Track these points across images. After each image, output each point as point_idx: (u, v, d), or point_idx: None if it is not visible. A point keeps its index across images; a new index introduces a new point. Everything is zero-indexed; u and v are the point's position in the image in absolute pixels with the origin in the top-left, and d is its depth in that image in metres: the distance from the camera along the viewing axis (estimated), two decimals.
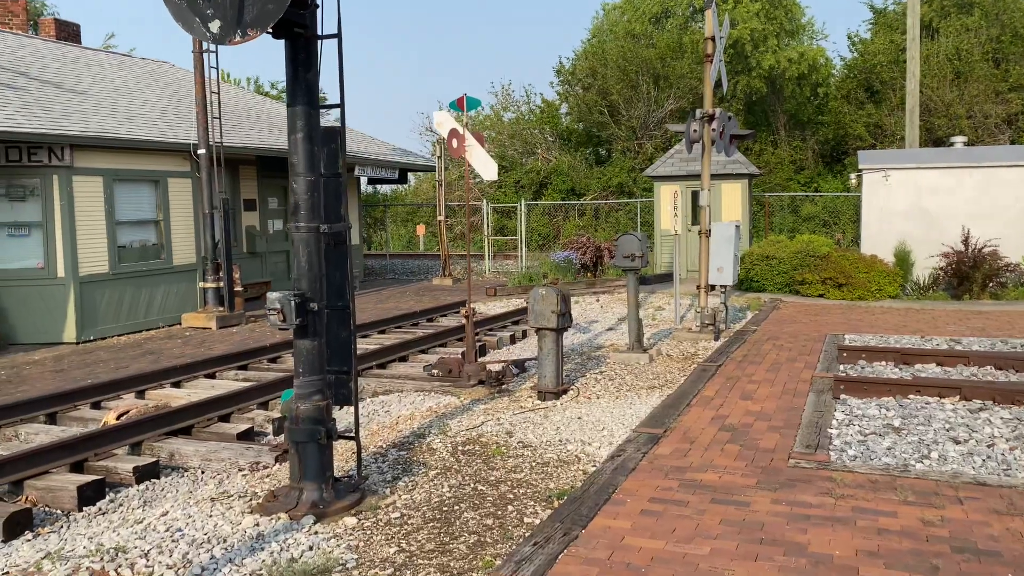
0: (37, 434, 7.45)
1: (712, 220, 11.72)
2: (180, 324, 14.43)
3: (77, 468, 6.31)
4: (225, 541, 4.74)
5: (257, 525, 4.96)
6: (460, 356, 9.48)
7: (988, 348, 10.11)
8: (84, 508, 5.71)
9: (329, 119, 6.04)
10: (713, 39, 11.21)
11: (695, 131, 11.39)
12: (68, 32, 20.66)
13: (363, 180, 23.49)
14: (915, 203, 15.92)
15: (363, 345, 11.41)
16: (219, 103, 14.41)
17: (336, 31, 5.14)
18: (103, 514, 5.61)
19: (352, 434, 5.54)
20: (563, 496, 5.36)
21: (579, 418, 7.33)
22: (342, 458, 6.30)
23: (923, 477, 5.43)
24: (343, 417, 7.52)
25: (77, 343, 12.84)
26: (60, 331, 12.87)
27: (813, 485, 5.32)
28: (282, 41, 5.03)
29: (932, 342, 10.57)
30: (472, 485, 5.66)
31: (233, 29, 4.58)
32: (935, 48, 27.99)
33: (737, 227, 11.88)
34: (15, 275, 12.82)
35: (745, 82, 31.16)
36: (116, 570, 4.41)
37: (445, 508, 5.25)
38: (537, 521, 5.00)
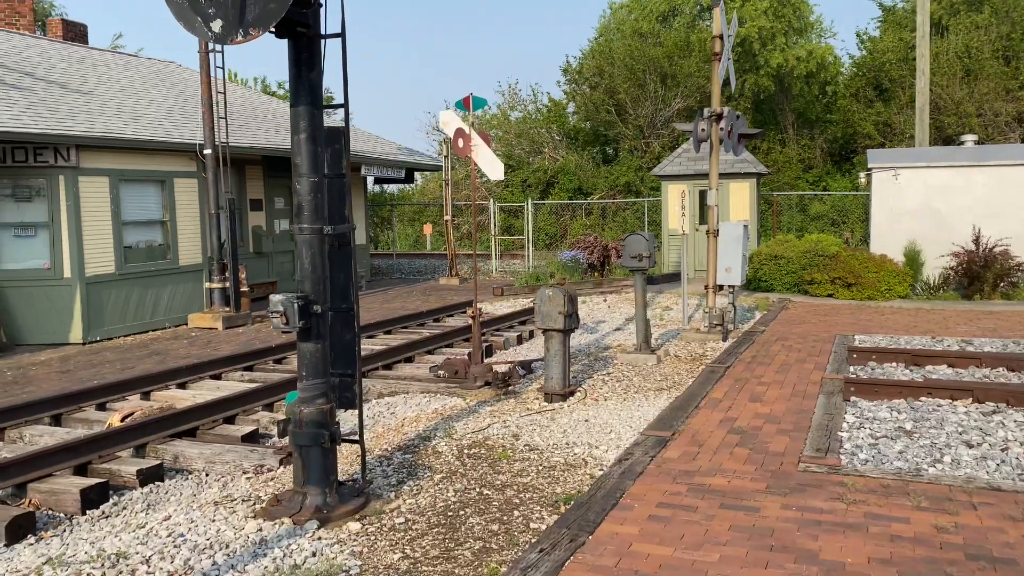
0: (42, 436, 7.42)
1: (720, 219, 11.63)
2: (186, 324, 14.42)
3: (81, 471, 6.27)
4: (227, 547, 4.69)
5: (260, 530, 4.91)
6: (466, 357, 9.42)
7: (1000, 349, 10.00)
8: (87, 511, 5.67)
9: (338, 119, 5.99)
10: (721, 37, 11.12)
11: (703, 130, 11.30)
12: (75, 32, 20.68)
13: (370, 180, 23.46)
14: (925, 202, 15.79)
15: (369, 346, 11.37)
16: (225, 103, 14.38)
17: (340, 30, 5.09)
18: (106, 518, 5.57)
19: (356, 437, 5.48)
20: (570, 501, 5.29)
21: (586, 420, 7.26)
22: (347, 461, 6.25)
23: (936, 482, 5.35)
24: (348, 419, 7.47)
25: (83, 344, 12.83)
26: (66, 332, 12.86)
27: (824, 490, 5.24)
28: (285, 41, 4.97)
29: (943, 343, 10.47)
30: (478, 489, 5.60)
31: (235, 28, 4.52)
32: (945, 46, 27.78)
33: (745, 226, 11.78)
34: (21, 276, 12.81)
35: (753, 80, 31.01)
36: None
37: (450, 513, 5.19)
38: (543, 527, 4.94)
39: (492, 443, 6.65)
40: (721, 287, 11.73)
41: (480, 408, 7.86)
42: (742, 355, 9.80)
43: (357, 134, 22.62)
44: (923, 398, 7.56)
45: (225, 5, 4.50)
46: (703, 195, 18.36)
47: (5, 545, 5.04)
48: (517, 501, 5.38)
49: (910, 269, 15.38)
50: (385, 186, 35.74)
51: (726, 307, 11.54)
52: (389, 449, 6.57)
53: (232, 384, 9.33)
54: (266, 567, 4.41)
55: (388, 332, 12.80)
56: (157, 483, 6.20)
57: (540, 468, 6.02)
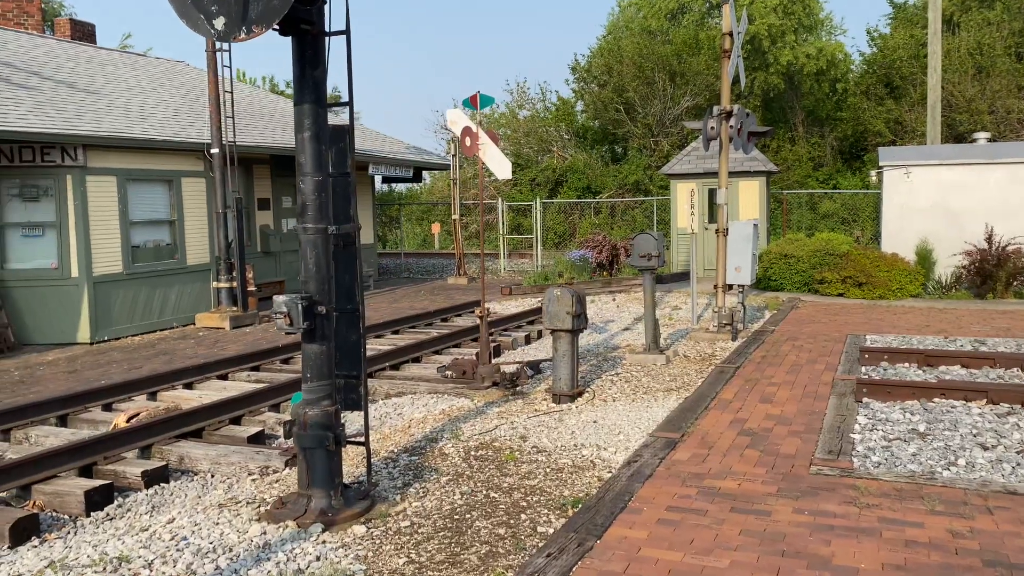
0: (47, 436, 7.39)
1: (729, 218, 11.53)
2: (194, 324, 14.40)
3: (86, 472, 6.23)
4: (231, 550, 4.63)
5: (264, 533, 4.85)
6: (474, 357, 9.35)
7: (1015, 349, 9.87)
8: (92, 513, 5.63)
9: (344, 118, 5.92)
10: (731, 35, 11.02)
11: (712, 128, 11.21)
12: (83, 32, 20.71)
13: (377, 178, 23.41)
14: (937, 200, 15.64)
15: (376, 346, 11.32)
16: (233, 102, 14.36)
17: (345, 27, 5.02)
18: (110, 520, 5.53)
19: (362, 439, 5.42)
20: (578, 504, 5.22)
21: (594, 422, 7.19)
22: (352, 463, 6.19)
23: (950, 485, 5.25)
24: (355, 420, 7.41)
25: (91, 343, 12.82)
26: (74, 331, 12.85)
27: (836, 493, 5.15)
28: (289, 38, 4.92)
29: (956, 343, 10.34)
30: (484, 492, 5.53)
31: (238, 26, 4.46)
32: (956, 43, 27.56)
33: (755, 225, 11.68)
34: (29, 275, 12.81)
35: (763, 78, 30.86)
36: None
37: (456, 516, 5.12)
38: (551, 530, 4.87)
39: (499, 445, 6.58)
40: (731, 286, 11.64)
41: (487, 409, 7.79)
42: (752, 355, 9.70)
43: (365, 133, 22.59)
44: (936, 399, 7.46)
45: (228, 2, 4.44)
46: (712, 194, 18.26)
47: (8, 547, 5.00)
48: (524, 504, 5.31)
49: (922, 268, 15.23)
50: (393, 185, 35.71)
51: (736, 306, 11.44)
52: (395, 451, 6.51)
53: (239, 384, 9.30)
54: (269, 572, 4.35)
55: (395, 332, 12.75)
56: (162, 484, 6.17)
57: (548, 470, 5.95)
